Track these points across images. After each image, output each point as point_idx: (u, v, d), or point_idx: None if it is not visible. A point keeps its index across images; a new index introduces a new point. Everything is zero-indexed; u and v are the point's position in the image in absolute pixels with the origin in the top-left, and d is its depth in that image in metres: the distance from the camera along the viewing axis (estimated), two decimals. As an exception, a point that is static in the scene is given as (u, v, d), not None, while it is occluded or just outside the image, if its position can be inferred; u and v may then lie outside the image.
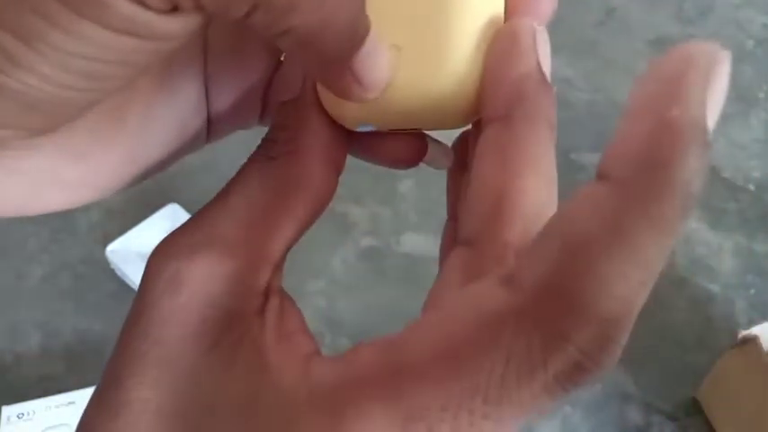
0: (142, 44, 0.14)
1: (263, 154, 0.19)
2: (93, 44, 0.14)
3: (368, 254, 0.68)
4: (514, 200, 0.17)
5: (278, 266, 0.18)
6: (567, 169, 0.77)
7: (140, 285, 0.17)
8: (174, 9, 0.14)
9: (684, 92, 0.13)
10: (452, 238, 0.21)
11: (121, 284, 0.67)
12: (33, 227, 0.72)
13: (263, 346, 0.16)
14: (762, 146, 0.81)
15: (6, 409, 0.56)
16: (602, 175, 0.13)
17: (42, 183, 0.18)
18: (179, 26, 0.14)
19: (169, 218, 0.69)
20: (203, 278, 0.16)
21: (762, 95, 0.87)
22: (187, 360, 0.16)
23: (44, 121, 0.16)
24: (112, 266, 0.68)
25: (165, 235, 0.18)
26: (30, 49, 0.13)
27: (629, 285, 0.13)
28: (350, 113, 0.19)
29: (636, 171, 0.13)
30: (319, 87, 0.20)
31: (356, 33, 0.16)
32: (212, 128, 0.22)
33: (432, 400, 0.14)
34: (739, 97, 0.86)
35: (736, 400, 0.56)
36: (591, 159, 0.79)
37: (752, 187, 0.77)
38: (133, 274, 0.66)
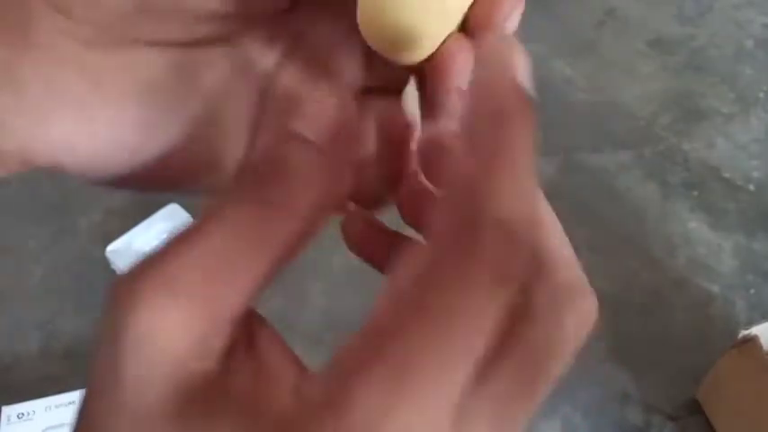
0: None
1: (254, 196, 0.17)
2: None
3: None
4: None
5: (249, 315, 0.17)
6: (568, 169, 0.77)
7: (104, 325, 0.16)
8: None
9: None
10: None
11: (121, 284, 0.67)
12: (33, 227, 0.72)
13: (239, 397, 0.15)
14: (762, 146, 0.81)
15: (6, 409, 0.56)
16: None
17: (53, 104, 0.18)
18: None
19: (169, 218, 0.69)
20: (167, 337, 0.15)
21: (762, 95, 0.87)
22: (159, 428, 0.15)
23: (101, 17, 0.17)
24: (112, 266, 0.68)
25: (158, 243, 0.17)
26: None
27: (519, 199, 0.16)
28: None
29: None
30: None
31: None
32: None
33: (407, 351, 0.14)
34: (739, 97, 0.86)
35: (736, 400, 0.56)
36: (591, 159, 0.79)
37: (752, 187, 0.77)
38: (133, 274, 0.66)
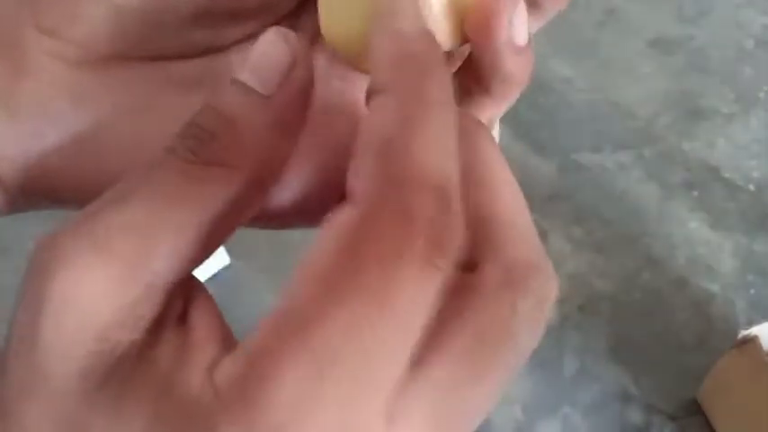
0: None
1: (193, 150, 0.16)
2: None
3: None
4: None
5: (183, 285, 0.16)
6: (567, 169, 0.77)
7: (26, 284, 0.15)
8: None
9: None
10: None
11: (121, 284, 0.67)
12: (33, 227, 0.72)
13: (156, 373, 0.14)
14: (762, 146, 0.81)
15: (6, 410, 0.56)
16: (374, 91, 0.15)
17: (47, 129, 0.18)
18: None
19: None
20: (97, 310, 0.14)
21: (762, 95, 0.87)
22: (73, 401, 0.14)
23: (88, 37, 0.17)
24: (112, 266, 0.68)
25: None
26: None
27: (441, 155, 0.14)
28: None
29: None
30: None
31: None
32: None
33: (330, 335, 0.13)
34: (739, 97, 0.86)
35: (737, 400, 0.56)
36: (591, 159, 0.79)
37: (752, 187, 0.77)
38: (133, 274, 0.66)
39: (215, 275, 0.68)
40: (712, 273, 0.69)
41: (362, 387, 0.13)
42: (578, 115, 0.83)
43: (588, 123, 0.82)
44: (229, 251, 0.68)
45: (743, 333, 0.53)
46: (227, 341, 0.15)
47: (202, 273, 0.67)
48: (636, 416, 0.60)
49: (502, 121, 0.88)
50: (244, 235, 0.67)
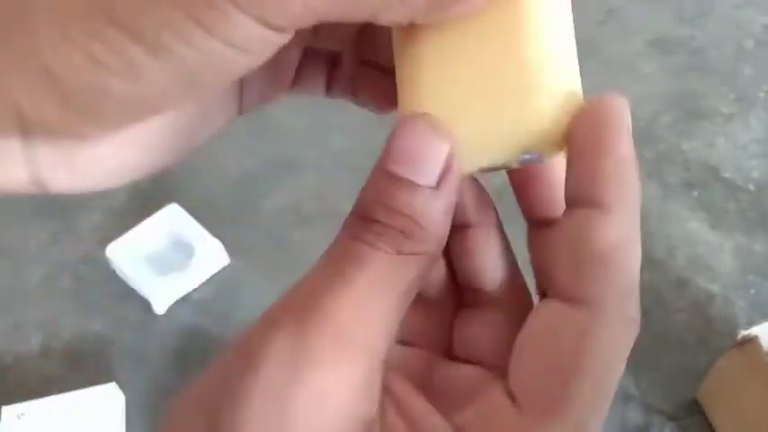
0: (246, 57, 0.16)
1: (392, 245, 0.18)
2: (206, 56, 0.16)
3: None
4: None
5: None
6: (567, 169, 0.77)
7: (262, 385, 0.16)
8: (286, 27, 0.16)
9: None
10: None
11: (121, 285, 0.67)
12: (34, 227, 0.72)
13: None
14: (762, 146, 0.81)
15: (6, 409, 0.56)
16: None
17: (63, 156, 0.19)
18: (281, 41, 0.16)
19: (169, 218, 0.69)
20: (343, 391, 0.16)
21: (762, 95, 0.87)
22: None
23: (118, 121, 0.17)
24: (112, 266, 0.68)
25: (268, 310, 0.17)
26: (153, 58, 0.15)
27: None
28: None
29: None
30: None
31: None
32: (244, 102, 0.23)
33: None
34: (739, 97, 0.86)
35: (737, 401, 0.56)
36: (591, 159, 0.79)
37: (752, 187, 0.77)
38: (133, 274, 0.66)
39: (215, 275, 0.68)
40: (712, 273, 0.69)
41: None
42: (578, 115, 0.83)
43: (588, 123, 0.82)
44: (229, 251, 0.68)
45: (743, 333, 0.53)
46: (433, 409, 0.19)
47: (202, 273, 0.67)
48: (636, 416, 0.60)
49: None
50: (244, 235, 0.67)
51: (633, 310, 0.18)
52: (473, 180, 0.23)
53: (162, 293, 0.65)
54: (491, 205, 0.23)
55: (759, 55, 0.92)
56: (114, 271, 0.68)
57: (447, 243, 0.20)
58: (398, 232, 0.18)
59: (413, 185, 0.18)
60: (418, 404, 0.19)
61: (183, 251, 0.68)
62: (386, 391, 0.18)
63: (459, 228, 0.23)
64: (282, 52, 0.21)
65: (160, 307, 0.65)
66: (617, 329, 0.17)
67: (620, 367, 0.18)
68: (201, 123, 0.21)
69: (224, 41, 0.15)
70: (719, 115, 0.85)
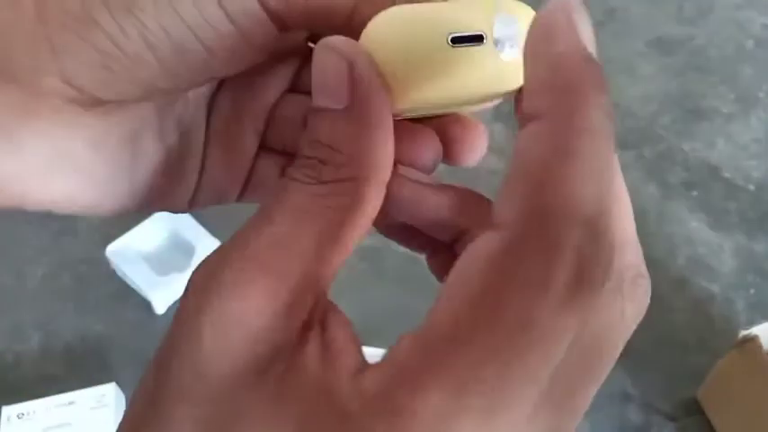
0: (235, 40, 0.18)
1: (311, 175, 0.18)
2: (200, 16, 0.17)
3: (367, 254, 0.68)
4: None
5: (324, 292, 0.18)
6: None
7: (180, 313, 0.17)
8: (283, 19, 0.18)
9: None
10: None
11: (121, 285, 0.67)
12: (34, 227, 0.72)
13: (308, 373, 0.16)
14: (762, 146, 0.81)
15: (6, 409, 0.56)
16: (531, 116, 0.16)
17: (55, 166, 0.19)
18: (272, 37, 0.18)
19: (169, 218, 0.69)
20: (252, 316, 0.16)
21: (762, 95, 0.87)
22: (233, 397, 0.15)
23: (110, 87, 0.18)
24: (112, 267, 0.68)
25: (204, 256, 0.17)
26: (151, 1, 0.17)
27: (594, 186, 0.15)
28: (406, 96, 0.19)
29: (558, 104, 0.15)
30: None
31: None
32: (195, 197, 0.23)
33: (475, 363, 0.14)
34: (739, 97, 0.86)
35: (736, 401, 0.56)
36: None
37: (752, 187, 0.77)
38: (133, 274, 0.66)
39: (215, 275, 0.68)
40: (712, 273, 0.69)
41: (504, 406, 0.14)
42: (578, 115, 0.83)
43: (588, 123, 0.82)
44: (229, 251, 0.68)
45: (743, 333, 0.53)
46: (362, 352, 0.17)
47: (202, 273, 0.67)
48: (635, 416, 0.60)
49: (502, 121, 0.88)
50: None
51: (559, 233, 0.14)
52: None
53: (162, 293, 0.65)
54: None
55: (759, 55, 0.92)
56: (114, 271, 0.68)
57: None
58: (317, 161, 0.18)
59: (327, 112, 0.18)
60: (342, 333, 0.17)
61: (183, 251, 0.68)
62: (317, 320, 0.17)
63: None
64: (238, 136, 0.23)
65: (160, 307, 0.66)
66: (528, 252, 0.14)
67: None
68: (150, 186, 0.22)
69: (223, 9, 0.17)
70: (719, 115, 0.85)
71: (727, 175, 0.78)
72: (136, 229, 0.68)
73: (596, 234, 0.14)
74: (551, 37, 0.16)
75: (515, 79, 0.19)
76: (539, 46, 0.16)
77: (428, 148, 0.21)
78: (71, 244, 0.71)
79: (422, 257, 0.23)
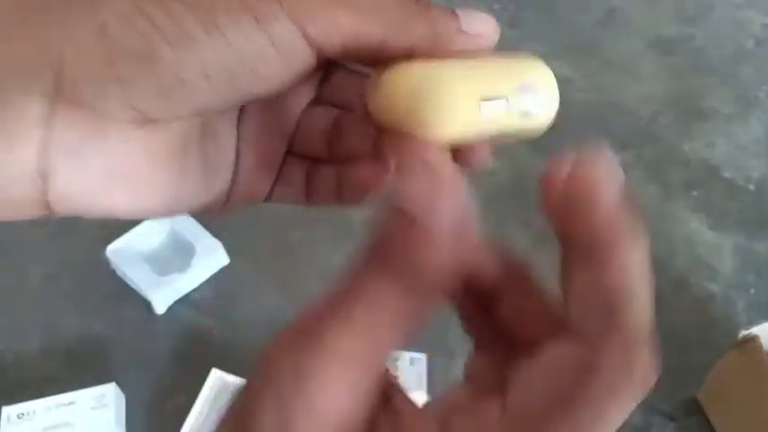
0: (279, 66, 0.19)
1: (396, 278, 0.18)
2: (250, 44, 0.19)
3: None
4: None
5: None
6: (567, 169, 0.77)
7: (263, 393, 0.17)
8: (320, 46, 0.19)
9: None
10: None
11: (121, 285, 0.67)
12: (34, 227, 0.72)
13: None
14: (762, 146, 0.81)
15: (6, 409, 0.56)
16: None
17: (116, 178, 0.20)
18: (311, 64, 0.20)
19: (169, 219, 0.69)
20: (340, 406, 0.17)
21: (762, 95, 0.87)
22: None
23: (168, 110, 0.19)
24: (113, 267, 0.68)
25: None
26: (204, 32, 0.18)
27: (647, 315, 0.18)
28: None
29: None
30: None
31: None
32: (228, 199, 0.24)
33: None
34: (739, 97, 0.86)
35: (737, 400, 0.56)
36: (591, 159, 0.79)
37: (752, 187, 0.77)
38: (133, 274, 0.66)
39: (215, 275, 0.68)
40: (712, 273, 0.69)
41: None
42: (578, 115, 0.83)
43: (588, 123, 0.82)
44: (229, 251, 0.68)
45: (743, 333, 0.53)
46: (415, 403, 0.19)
47: (202, 272, 0.67)
48: (636, 416, 0.60)
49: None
50: (244, 235, 0.67)
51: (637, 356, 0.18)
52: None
53: (162, 293, 0.65)
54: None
55: (759, 55, 0.92)
56: (114, 271, 0.68)
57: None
58: (403, 266, 0.18)
59: (424, 228, 0.18)
60: (408, 406, 0.19)
61: (183, 251, 0.68)
62: (384, 396, 0.19)
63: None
64: (268, 144, 0.24)
65: (160, 307, 0.66)
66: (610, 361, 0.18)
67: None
68: (194, 190, 0.23)
69: (268, 35, 0.19)
70: (719, 115, 0.85)
71: (727, 175, 0.78)
72: (136, 229, 0.68)
73: (650, 353, 0.18)
74: (591, 203, 0.18)
75: (537, 131, 0.22)
76: (578, 213, 0.18)
77: None
78: (71, 244, 0.71)
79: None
